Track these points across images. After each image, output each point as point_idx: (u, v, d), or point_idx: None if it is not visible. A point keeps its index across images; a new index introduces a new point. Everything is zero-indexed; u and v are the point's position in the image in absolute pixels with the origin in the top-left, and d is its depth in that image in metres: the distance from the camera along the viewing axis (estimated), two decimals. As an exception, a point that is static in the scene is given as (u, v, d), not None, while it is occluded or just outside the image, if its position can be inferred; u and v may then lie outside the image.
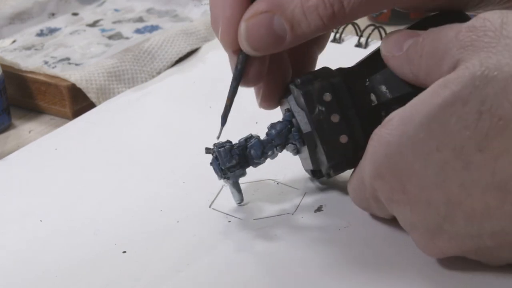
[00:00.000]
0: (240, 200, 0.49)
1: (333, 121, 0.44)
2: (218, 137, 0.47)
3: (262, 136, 0.47)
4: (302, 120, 0.45)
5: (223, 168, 0.47)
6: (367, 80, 0.45)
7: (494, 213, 0.38)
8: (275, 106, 0.49)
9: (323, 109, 0.44)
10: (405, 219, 0.42)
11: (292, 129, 0.46)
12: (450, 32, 0.39)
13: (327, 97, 0.44)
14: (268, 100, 0.48)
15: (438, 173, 0.38)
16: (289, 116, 0.46)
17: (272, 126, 0.47)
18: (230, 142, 0.47)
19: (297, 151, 0.48)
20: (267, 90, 0.48)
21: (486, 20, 0.38)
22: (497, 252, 0.40)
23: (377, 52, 0.44)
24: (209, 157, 0.48)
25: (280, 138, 0.47)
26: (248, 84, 0.46)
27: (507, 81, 0.36)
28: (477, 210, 0.38)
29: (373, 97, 0.44)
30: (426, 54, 0.40)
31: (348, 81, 0.45)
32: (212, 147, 0.47)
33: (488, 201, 0.38)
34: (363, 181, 0.43)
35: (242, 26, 0.43)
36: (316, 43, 0.49)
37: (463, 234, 0.39)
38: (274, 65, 0.47)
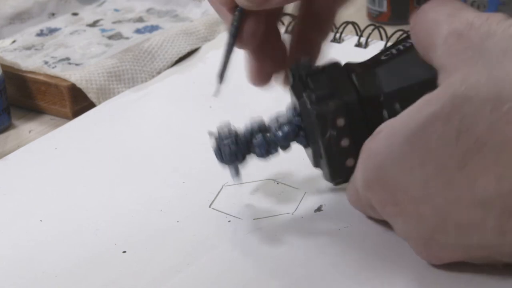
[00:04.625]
0: (235, 175, 0.48)
1: (343, 145, 0.44)
2: (215, 95, 0.46)
3: (266, 119, 0.47)
4: (311, 133, 0.45)
5: (225, 163, 0.47)
6: (382, 95, 0.43)
7: (479, 227, 0.38)
8: (264, 85, 0.48)
9: (335, 133, 0.43)
10: (398, 229, 0.42)
11: (300, 133, 0.46)
12: (442, 28, 0.38)
13: (341, 122, 0.43)
14: (257, 75, 0.47)
15: (423, 187, 0.39)
16: (298, 121, 0.46)
17: (280, 126, 0.46)
18: (235, 132, 0.46)
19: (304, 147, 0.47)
20: (256, 63, 0.47)
21: (472, 28, 0.37)
22: (488, 260, 0.41)
23: (399, 63, 0.43)
24: (209, 153, 0.47)
25: (286, 141, 0.46)
26: (244, 43, 0.45)
27: (483, 102, 0.36)
28: (463, 223, 0.38)
29: (385, 113, 0.43)
30: (417, 35, 0.41)
31: (363, 97, 0.43)
32: (216, 130, 0.47)
33: (472, 216, 0.38)
34: (358, 190, 0.43)
35: None
36: (319, 29, 0.49)
37: (454, 245, 0.40)
38: (268, 40, 0.47)
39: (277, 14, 0.49)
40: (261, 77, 0.48)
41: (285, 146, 0.47)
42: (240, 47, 0.46)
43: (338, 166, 0.44)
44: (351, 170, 0.44)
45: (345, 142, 0.43)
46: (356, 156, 0.43)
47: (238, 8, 0.44)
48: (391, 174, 0.40)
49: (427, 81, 0.39)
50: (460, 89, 0.36)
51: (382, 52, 0.45)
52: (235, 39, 0.45)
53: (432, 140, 0.37)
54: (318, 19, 0.49)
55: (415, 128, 0.38)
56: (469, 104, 0.36)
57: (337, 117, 0.43)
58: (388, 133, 0.40)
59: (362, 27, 0.73)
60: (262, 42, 0.46)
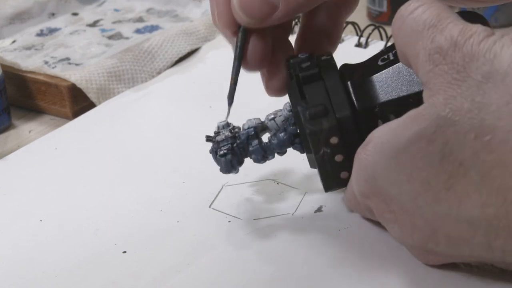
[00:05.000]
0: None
1: (337, 160, 0.43)
2: (226, 118, 0.46)
3: (263, 117, 0.47)
4: (306, 142, 0.44)
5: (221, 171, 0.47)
6: (377, 106, 0.43)
7: (468, 242, 0.38)
8: (281, 95, 0.48)
9: (328, 150, 0.43)
10: (395, 234, 0.42)
11: (296, 140, 0.46)
12: (425, 41, 0.38)
13: (334, 140, 0.43)
14: (272, 87, 0.47)
15: (412, 200, 0.39)
16: (293, 130, 0.46)
17: (275, 133, 0.46)
18: (233, 137, 0.46)
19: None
20: (270, 76, 0.47)
21: (456, 48, 0.37)
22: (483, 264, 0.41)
23: (395, 72, 0.43)
24: (208, 150, 0.47)
25: (282, 148, 0.46)
26: (249, 66, 0.45)
27: (467, 128, 0.36)
28: (453, 237, 0.38)
29: (380, 123, 0.43)
30: (397, 41, 0.40)
31: (358, 110, 0.43)
32: (214, 134, 0.47)
33: (461, 231, 0.38)
34: (356, 195, 0.43)
35: None
36: (327, 38, 0.48)
37: (447, 254, 0.40)
38: (278, 50, 0.46)
39: (286, 27, 0.48)
40: (276, 88, 0.47)
41: (282, 152, 0.47)
42: (247, 70, 0.45)
43: (332, 179, 0.45)
44: (345, 182, 0.45)
45: (339, 158, 0.43)
46: (350, 169, 0.43)
47: (241, 28, 0.44)
48: (382, 186, 0.40)
49: (421, 93, 0.39)
50: (444, 111, 0.36)
51: (379, 55, 0.45)
52: (240, 61, 0.45)
53: (416, 158, 0.37)
54: (325, 28, 0.48)
55: (400, 145, 0.38)
56: (453, 128, 0.36)
57: (331, 136, 0.43)
58: (376, 147, 0.40)
59: (362, 27, 0.73)
60: (274, 55, 0.46)
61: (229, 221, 0.48)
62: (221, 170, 0.47)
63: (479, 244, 0.37)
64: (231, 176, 0.49)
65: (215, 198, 0.51)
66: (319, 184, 0.49)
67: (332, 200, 0.49)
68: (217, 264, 0.45)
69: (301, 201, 0.50)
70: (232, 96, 0.45)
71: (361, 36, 0.73)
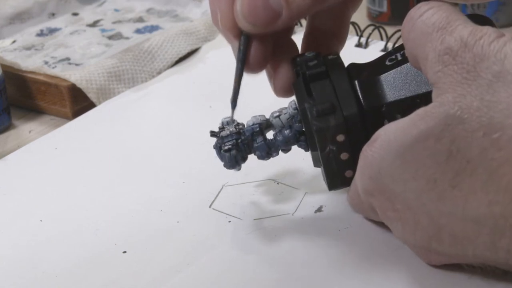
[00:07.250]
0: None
1: (342, 158, 0.43)
2: (231, 121, 0.47)
3: (267, 114, 0.47)
4: (312, 140, 0.44)
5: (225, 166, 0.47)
6: (384, 106, 0.43)
7: (472, 241, 0.38)
8: (290, 95, 0.47)
9: (334, 148, 0.43)
10: (398, 233, 0.42)
11: (301, 138, 0.46)
12: (435, 43, 0.38)
13: (341, 137, 0.43)
14: (279, 88, 0.47)
15: (417, 198, 0.39)
16: (299, 127, 0.46)
17: (281, 129, 0.46)
18: (236, 133, 0.46)
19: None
20: (276, 77, 0.47)
21: (466, 49, 0.37)
22: (485, 266, 0.41)
23: (403, 72, 0.43)
24: (209, 153, 0.47)
25: (287, 145, 0.46)
26: (251, 68, 0.45)
27: (476, 126, 0.36)
28: (458, 235, 0.38)
29: (386, 123, 0.42)
30: (407, 44, 0.40)
31: (364, 109, 0.43)
32: (218, 130, 0.47)
33: (466, 230, 0.38)
34: (359, 194, 0.43)
35: (238, 1, 0.43)
36: (335, 37, 0.49)
37: (450, 254, 0.40)
38: (282, 50, 0.46)
39: (288, 28, 0.48)
40: (284, 89, 0.47)
41: (286, 150, 0.47)
42: (249, 72, 0.45)
43: (337, 177, 0.45)
44: (349, 181, 0.44)
45: (344, 156, 0.43)
46: (355, 168, 0.43)
47: (244, 33, 0.44)
48: (387, 183, 0.40)
49: (429, 93, 0.39)
50: (453, 109, 0.36)
51: (386, 55, 0.45)
52: (243, 65, 0.45)
53: (423, 156, 0.38)
54: (331, 26, 0.48)
55: (407, 143, 0.38)
56: (462, 126, 0.36)
57: (337, 133, 0.43)
58: (383, 144, 0.40)
59: (362, 27, 0.73)
60: (278, 56, 0.46)
61: (229, 221, 0.48)
62: (224, 165, 0.47)
63: (484, 243, 0.37)
64: (231, 176, 0.49)
65: (215, 198, 0.51)
66: (319, 184, 0.49)
67: (332, 200, 0.49)
68: (217, 264, 0.45)
69: (301, 201, 0.50)
70: (235, 100, 0.46)
71: (361, 36, 0.73)
